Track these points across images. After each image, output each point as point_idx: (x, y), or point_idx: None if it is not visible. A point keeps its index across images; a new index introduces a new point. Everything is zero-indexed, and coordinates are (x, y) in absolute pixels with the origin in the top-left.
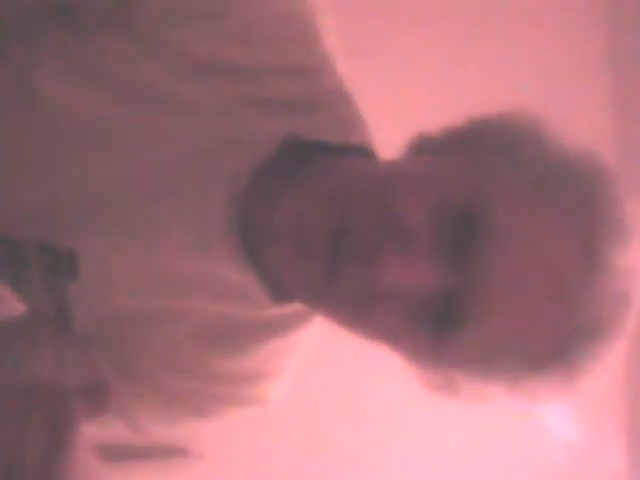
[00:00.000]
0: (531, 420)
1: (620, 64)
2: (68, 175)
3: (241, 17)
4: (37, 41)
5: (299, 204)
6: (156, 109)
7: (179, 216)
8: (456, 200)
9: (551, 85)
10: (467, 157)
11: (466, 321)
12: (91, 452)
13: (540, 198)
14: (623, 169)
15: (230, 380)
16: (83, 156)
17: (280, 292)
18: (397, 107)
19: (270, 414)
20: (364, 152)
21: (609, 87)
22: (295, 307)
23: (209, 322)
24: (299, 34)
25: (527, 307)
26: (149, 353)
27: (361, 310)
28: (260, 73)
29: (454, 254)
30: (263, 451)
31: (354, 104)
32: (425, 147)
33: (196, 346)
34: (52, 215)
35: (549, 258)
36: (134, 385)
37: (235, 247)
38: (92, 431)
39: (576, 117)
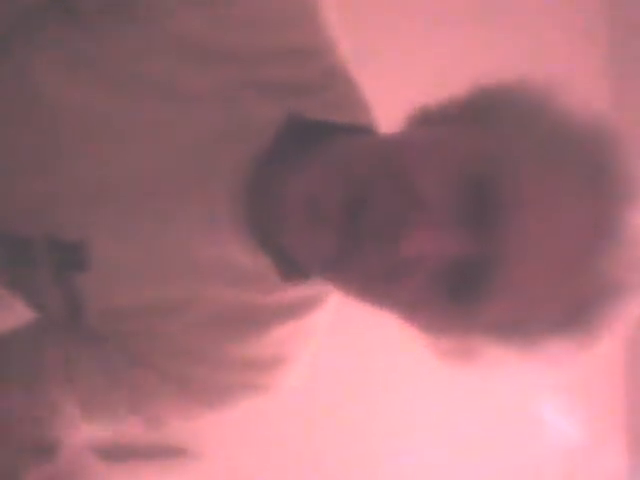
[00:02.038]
0: (531, 420)
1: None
2: (72, 166)
3: (239, 1)
4: (37, 35)
5: (310, 177)
6: (157, 98)
7: (186, 202)
8: (471, 169)
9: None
10: (479, 126)
11: (486, 287)
12: (90, 453)
13: (553, 163)
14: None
15: (244, 367)
16: (86, 147)
17: (293, 272)
18: (397, 85)
19: (270, 414)
20: (367, 132)
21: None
22: (306, 291)
23: (221, 308)
24: (298, 15)
25: (546, 271)
26: (162, 343)
27: (382, 282)
28: (260, 57)
29: (472, 222)
30: (263, 451)
31: (356, 84)
32: (431, 118)
33: (208, 333)
34: (59, 207)
35: (566, 223)
36: (148, 376)
37: (244, 230)
38: (93, 431)
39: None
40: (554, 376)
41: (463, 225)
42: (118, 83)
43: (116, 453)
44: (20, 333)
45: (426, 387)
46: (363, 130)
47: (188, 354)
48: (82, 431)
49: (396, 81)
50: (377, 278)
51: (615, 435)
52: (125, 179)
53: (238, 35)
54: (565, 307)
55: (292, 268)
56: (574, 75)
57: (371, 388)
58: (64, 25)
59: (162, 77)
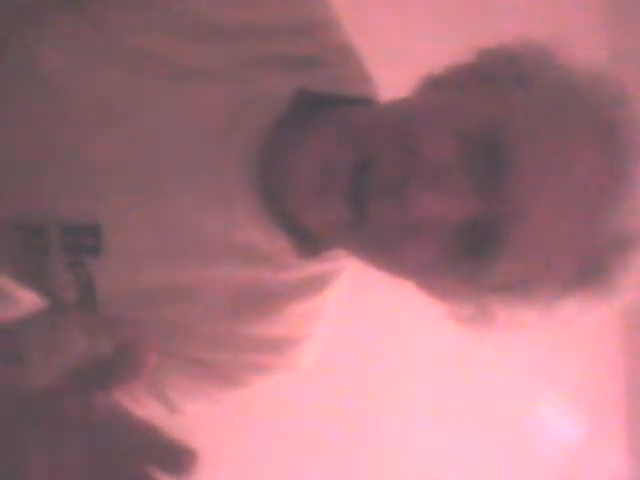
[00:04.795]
0: (531, 420)
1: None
2: (83, 150)
3: None
4: (41, 20)
5: (320, 145)
6: (165, 76)
7: (199, 180)
8: (479, 130)
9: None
10: (482, 88)
11: (498, 246)
12: None
13: (561, 118)
14: None
15: (261, 347)
16: (96, 129)
17: (308, 248)
18: (399, 57)
19: (270, 415)
20: (372, 104)
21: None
22: (320, 268)
23: (236, 290)
24: None
25: (560, 229)
26: (178, 328)
27: (393, 244)
28: (267, 32)
29: (483, 182)
30: (263, 451)
31: (359, 57)
32: (436, 84)
33: (225, 316)
34: (70, 192)
35: (577, 180)
36: (166, 362)
37: (258, 206)
38: None
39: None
40: (555, 376)
41: (473, 184)
42: (125, 63)
43: None
44: (35, 319)
45: (426, 387)
46: (368, 102)
47: (205, 338)
48: None
49: (398, 56)
50: (387, 241)
51: (615, 435)
52: (136, 160)
53: (241, 11)
54: (579, 263)
55: (306, 243)
56: (573, 32)
57: (370, 384)
58: (69, 11)
59: (169, 55)
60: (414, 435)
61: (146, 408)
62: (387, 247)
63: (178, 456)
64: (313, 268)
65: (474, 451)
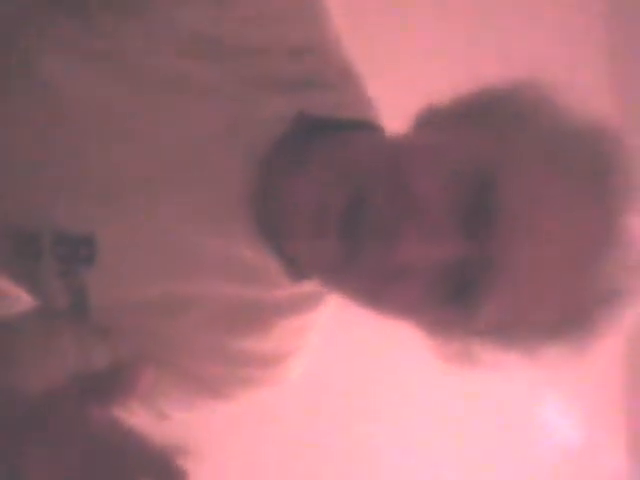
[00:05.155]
0: (531, 420)
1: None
2: (80, 160)
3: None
4: (43, 30)
5: (313, 181)
6: (164, 91)
7: (196, 196)
8: (471, 172)
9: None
10: (479, 128)
11: (485, 292)
12: None
13: (555, 168)
14: None
15: (252, 362)
16: (95, 140)
17: (297, 271)
18: (401, 83)
19: (270, 415)
20: (372, 128)
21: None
22: (309, 287)
23: (227, 305)
24: (305, 13)
25: (547, 277)
26: (169, 341)
27: (380, 286)
28: (268, 53)
29: (471, 226)
30: (263, 451)
31: (360, 80)
32: (433, 120)
33: (215, 330)
34: (66, 200)
35: (568, 228)
36: (158, 372)
37: (251, 226)
38: None
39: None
40: (554, 376)
41: (462, 228)
42: (126, 73)
43: None
44: (29, 319)
45: (426, 388)
46: (367, 126)
47: (196, 352)
48: None
49: (398, 81)
50: (375, 282)
51: (614, 435)
52: (133, 170)
53: (243, 32)
54: (565, 311)
55: (298, 268)
56: (575, 76)
57: (370, 388)
58: (70, 19)
59: (169, 69)
60: (414, 435)
61: (137, 416)
62: (373, 288)
63: (169, 473)
64: (306, 286)
65: (474, 451)
